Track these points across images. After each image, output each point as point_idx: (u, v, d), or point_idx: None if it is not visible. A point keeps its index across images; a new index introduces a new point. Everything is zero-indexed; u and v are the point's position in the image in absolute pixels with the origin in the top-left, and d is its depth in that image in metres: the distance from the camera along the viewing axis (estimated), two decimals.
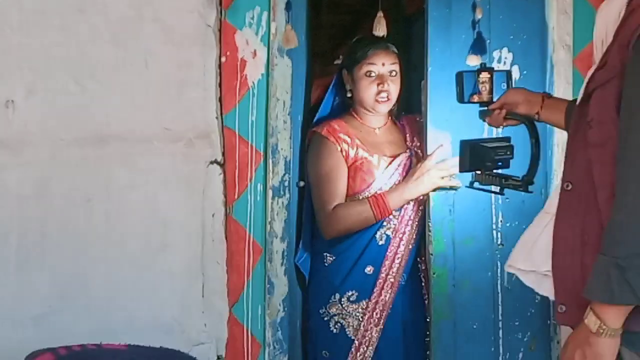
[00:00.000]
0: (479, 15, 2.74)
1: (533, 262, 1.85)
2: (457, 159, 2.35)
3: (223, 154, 2.77)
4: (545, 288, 1.82)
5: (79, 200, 2.67)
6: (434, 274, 2.86)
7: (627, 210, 1.56)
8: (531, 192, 2.25)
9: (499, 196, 2.83)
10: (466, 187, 2.50)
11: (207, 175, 2.75)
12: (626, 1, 1.66)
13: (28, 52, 2.64)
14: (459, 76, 2.38)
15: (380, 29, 2.76)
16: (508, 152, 2.28)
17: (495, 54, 2.87)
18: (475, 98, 2.37)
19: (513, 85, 2.42)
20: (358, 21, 3.85)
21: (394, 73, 2.94)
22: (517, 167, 2.26)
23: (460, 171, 2.40)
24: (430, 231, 2.85)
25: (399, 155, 2.97)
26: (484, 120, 2.41)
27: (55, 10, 2.66)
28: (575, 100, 2.21)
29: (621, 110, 1.60)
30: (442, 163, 2.83)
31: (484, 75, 2.36)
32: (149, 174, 2.72)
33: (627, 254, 1.55)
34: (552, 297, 1.80)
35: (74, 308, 2.67)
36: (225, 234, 2.78)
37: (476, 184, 2.35)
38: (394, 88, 2.93)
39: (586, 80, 1.75)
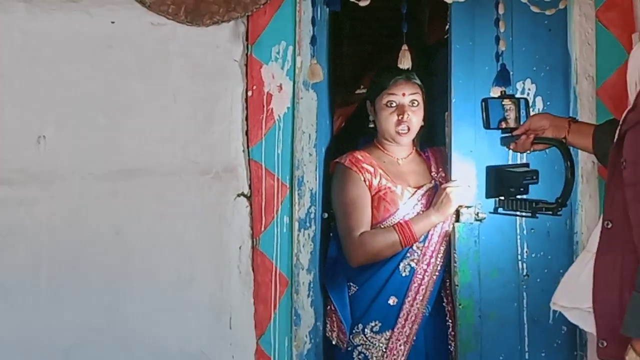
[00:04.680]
0: (502, 48, 2.75)
1: (575, 299, 1.89)
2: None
3: (250, 187, 2.79)
4: (590, 324, 1.85)
5: (108, 233, 2.71)
6: (459, 305, 2.86)
7: None
8: (560, 214, 2.24)
9: (524, 227, 2.86)
10: (490, 213, 2.48)
11: (234, 208, 2.77)
12: None
13: (58, 87, 2.70)
14: (485, 103, 2.39)
15: (405, 62, 2.78)
16: (534, 177, 2.29)
17: (519, 86, 2.89)
18: (503, 124, 2.38)
19: (530, 113, 2.43)
20: (379, 52, 3.87)
21: (415, 103, 2.95)
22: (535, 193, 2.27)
23: (487, 197, 2.39)
24: (455, 262, 2.86)
25: (422, 185, 2.98)
26: (508, 147, 2.42)
27: (84, 46, 2.71)
28: (602, 124, 2.24)
29: None
30: (456, 182, 2.84)
31: (509, 103, 2.38)
32: (177, 206, 2.75)
33: None
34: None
35: (103, 340, 2.69)
36: (252, 266, 2.79)
37: (501, 210, 2.35)
38: (415, 118, 2.95)
39: (620, 122, 1.79)
